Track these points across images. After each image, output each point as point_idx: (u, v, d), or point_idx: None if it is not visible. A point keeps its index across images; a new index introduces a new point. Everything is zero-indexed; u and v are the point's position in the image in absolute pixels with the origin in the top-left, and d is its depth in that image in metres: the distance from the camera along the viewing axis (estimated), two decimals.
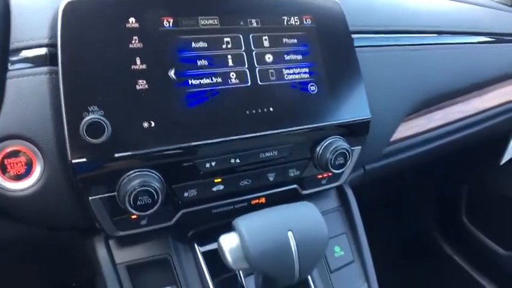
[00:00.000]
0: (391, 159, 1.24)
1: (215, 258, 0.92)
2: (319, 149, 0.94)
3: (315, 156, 0.95)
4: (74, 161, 0.75)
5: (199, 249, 0.93)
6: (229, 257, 0.73)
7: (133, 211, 0.78)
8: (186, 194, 0.86)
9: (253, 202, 0.96)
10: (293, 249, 0.74)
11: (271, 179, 0.93)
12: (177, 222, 0.89)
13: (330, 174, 1.02)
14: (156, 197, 0.79)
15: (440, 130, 1.29)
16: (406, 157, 1.27)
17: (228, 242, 0.75)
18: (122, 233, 0.86)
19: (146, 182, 0.78)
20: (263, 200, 0.97)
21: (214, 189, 0.88)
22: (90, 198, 0.79)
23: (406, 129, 1.22)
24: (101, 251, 0.88)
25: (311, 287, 0.95)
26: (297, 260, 0.74)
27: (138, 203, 0.78)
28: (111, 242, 0.90)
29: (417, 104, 1.19)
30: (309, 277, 0.95)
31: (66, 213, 0.83)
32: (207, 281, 0.90)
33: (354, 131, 0.99)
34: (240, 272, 0.93)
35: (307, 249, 0.75)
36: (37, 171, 0.79)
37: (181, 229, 0.94)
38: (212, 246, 0.94)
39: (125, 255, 0.89)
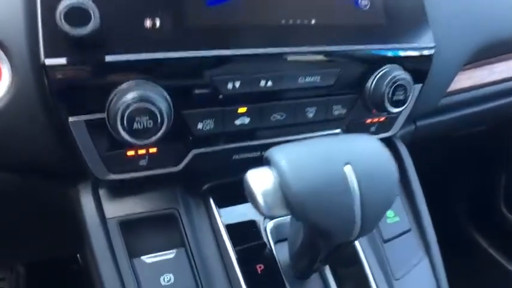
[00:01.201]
0: (444, 117, 1.00)
1: (236, 219, 0.69)
2: (372, 80, 0.71)
3: (366, 90, 0.72)
4: (47, 61, 0.52)
5: (215, 205, 0.69)
6: (261, 200, 0.50)
7: (127, 137, 0.55)
8: (200, 126, 0.63)
9: None
10: (353, 187, 0.50)
11: (310, 115, 0.70)
12: (187, 167, 0.66)
13: (382, 119, 0.78)
14: (159, 119, 0.55)
15: (502, 85, 1.04)
16: (459, 116, 1.03)
17: (260, 179, 0.51)
18: (114, 177, 0.63)
19: (147, 96, 0.54)
20: None
21: (237, 122, 0.65)
22: (70, 119, 0.56)
23: (464, 80, 0.98)
24: (87, 202, 0.64)
25: (361, 259, 0.71)
26: (359, 204, 0.50)
27: (135, 126, 0.55)
28: (102, 192, 0.66)
29: (481, 48, 0.94)
30: (359, 247, 0.71)
31: (41, 146, 0.59)
32: (224, 245, 0.66)
33: (415, 63, 0.75)
34: (269, 235, 0.69)
35: (372, 188, 0.51)
36: (2, 83, 0.56)
37: (192, 181, 0.70)
38: (232, 206, 0.71)
39: (117, 209, 0.66)
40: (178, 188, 0.69)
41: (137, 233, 0.65)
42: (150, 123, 0.56)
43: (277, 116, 0.68)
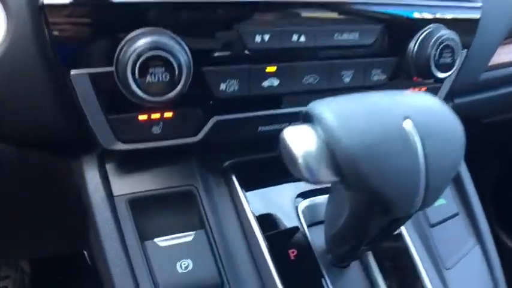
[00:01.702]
0: (483, 95, 0.90)
1: (262, 200, 0.59)
2: (416, 40, 0.61)
3: (409, 52, 0.62)
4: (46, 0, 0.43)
5: (239, 184, 0.59)
6: (303, 162, 0.40)
7: (139, 92, 0.45)
8: (222, 87, 0.53)
9: None
10: (416, 146, 0.40)
11: (346, 80, 0.60)
12: (206, 138, 0.56)
13: (423, 89, 0.68)
14: (177, 72, 0.46)
15: None
16: (498, 96, 0.93)
17: (301, 137, 0.41)
18: (123, 146, 0.53)
19: (163, 43, 0.45)
20: None
21: (265, 83, 0.55)
22: (72, 72, 0.47)
23: (504, 54, 0.88)
24: (91, 177, 0.55)
25: (408, 246, 0.60)
26: (423, 166, 0.40)
27: (149, 78, 0.45)
28: (109, 167, 0.57)
29: None
30: (404, 231, 0.60)
31: (40, 106, 0.50)
32: (251, 229, 0.56)
33: (461, 25, 0.65)
34: (301, 218, 0.58)
35: (437, 148, 0.40)
36: None
37: (212, 156, 0.61)
38: (256, 185, 0.61)
39: (126, 185, 0.56)
40: (196, 164, 0.59)
41: (149, 213, 0.55)
42: (166, 76, 0.46)
43: (309, 79, 0.58)
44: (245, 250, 0.55)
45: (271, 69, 0.55)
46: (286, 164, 0.42)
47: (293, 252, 0.54)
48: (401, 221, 0.46)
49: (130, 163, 0.57)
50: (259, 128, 0.60)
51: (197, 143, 0.56)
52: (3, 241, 0.87)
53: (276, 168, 0.65)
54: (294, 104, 0.59)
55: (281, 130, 0.63)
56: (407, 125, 0.41)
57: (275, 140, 0.62)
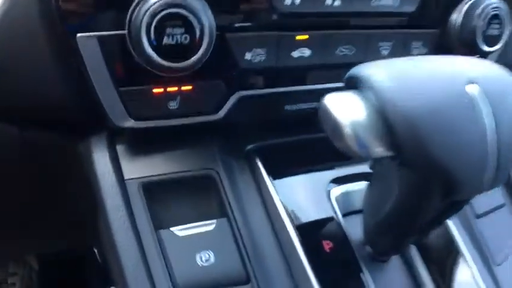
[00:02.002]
0: None
1: (290, 186, 0.53)
2: (460, 10, 0.55)
3: (451, 23, 0.55)
4: None
5: (264, 168, 0.53)
6: (351, 132, 0.33)
7: (155, 56, 0.39)
8: (248, 56, 0.47)
9: None
10: (484, 112, 0.33)
11: (384, 52, 0.53)
12: (228, 116, 0.49)
13: None
14: (198, 33, 0.40)
15: None
16: None
17: (347, 104, 0.35)
18: (135, 124, 0.46)
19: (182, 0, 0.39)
20: None
21: (295, 54, 0.49)
22: (78, 35, 0.41)
23: None
24: (100, 159, 0.48)
25: (455, 238, 0.53)
26: (494, 136, 0.33)
27: (166, 40, 0.39)
28: (119, 148, 0.51)
29: None
30: (450, 223, 0.53)
31: (42, 75, 0.44)
32: (279, 217, 0.49)
33: None
34: (335, 206, 0.52)
35: (508, 116, 0.34)
36: None
37: (233, 139, 0.54)
38: (283, 170, 0.54)
39: (139, 168, 0.49)
40: (217, 146, 0.53)
41: (164, 199, 0.49)
42: (185, 38, 0.40)
43: (344, 50, 0.51)
44: (273, 241, 0.48)
45: (302, 37, 0.48)
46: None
47: (328, 244, 0.47)
48: (461, 205, 0.39)
49: (143, 144, 0.50)
50: (286, 107, 0.54)
51: (218, 121, 0.50)
52: (9, 234, 0.82)
53: (304, 152, 0.60)
54: (324, 79, 0.53)
55: (309, 111, 0.58)
56: (472, 89, 0.34)
57: (302, 122, 0.57)
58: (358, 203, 0.53)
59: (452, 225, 0.53)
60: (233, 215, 0.48)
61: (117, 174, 0.48)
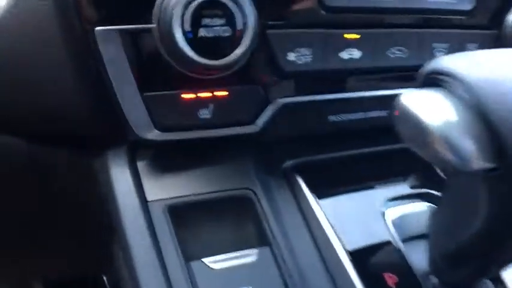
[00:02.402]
0: None
1: (338, 207, 0.45)
2: None
3: (508, 24, 0.49)
4: None
5: (306, 187, 0.45)
6: (441, 135, 0.26)
7: (189, 51, 0.32)
8: (291, 57, 0.40)
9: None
10: None
11: (439, 55, 0.47)
12: (267, 128, 0.42)
13: None
14: (240, 24, 0.33)
15: None
16: None
17: (434, 101, 0.28)
18: (161, 136, 0.39)
19: None
20: None
21: (344, 55, 0.42)
22: (97, 29, 0.34)
23: None
24: (119, 176, 0.41)
25: None
26: None
27: (202, 32, 0.33)
28: (141, 165, 0.43)
29: None
30: None
31: (54, 75, 0.37)
32: (330, 245, 0.41)
33: None
34: (392, 231, 0.44)
35: None
36: None
37: (269, 156, 0.47)
38: (328, 190, 0.46)
39: (164, 188, 0.42)
40: (252, 162, 0.46)
41: (194, 224, 0.41)
42: (225, 30, 0.33)
43: (396, 52, 0.45)
44: (324, 274, 0.40)
45: (352, 36, 0.42)
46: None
47: (391, 278, 0.39)
48: None
49: (168, 159, 0.43)
50: (330, 118, 0.47)
51: (255, 134, 0.43)
52: (11, 255, 0.74)
53: (349, 170, 0.52)
54: (376, 85, 0.46)
55: (355, 123, 0.51)
56: None
57: (345, 136, 0.50)
58: (416, 227, 0.46)
59: None
60: (276, 242, 0.40)
61: (139, 195, 0.41)
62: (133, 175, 0.42)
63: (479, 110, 0.27)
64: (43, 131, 0.41)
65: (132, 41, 0.35)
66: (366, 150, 0.53)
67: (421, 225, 0.46)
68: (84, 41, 0.34)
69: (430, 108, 0.28)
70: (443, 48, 0.47)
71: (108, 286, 0.81)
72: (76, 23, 0.34)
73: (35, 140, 0.43)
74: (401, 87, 0.48)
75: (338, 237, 0.41)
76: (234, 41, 0.34)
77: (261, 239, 0.41)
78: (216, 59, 0.34)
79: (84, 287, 1.02)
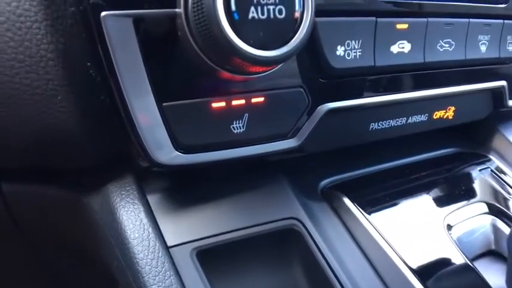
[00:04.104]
0: None
1: (392, 225, 0.36)
2: None
3: None
4: None
5: (353, 206, 0.36)
6: None
7: (236, 39, 0.23)
8: (340, 52, 0.31)
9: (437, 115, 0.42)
10: None
11: (483, 48, 0.40)
12: (309, 141, 0.33)
13: None
14: (297, 4, 0.25)
15: None
16: None
17: None
18: (185, 160, 0.29)
19: None
20: (451, 111, 0.44)
21: (394, 48, 0.34)
22: (102, 14, 0.24)
23: None
24: (129, 219, 0.30)
25: None
26: None
27: (253, 13, 0.23)
28: (151, 198, 0.32)
29: None
30: None
31: (36, 85, 0.26)
32: (396, 270, 0.32)
33: None
34: (458, 248, 0.36)
35: None
36: None
37: (304, 177, 0.38)
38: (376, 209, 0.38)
39: (187, 227, 0.31)
40: (289, 184, 0.36)
41: (231, 268, 0.31)
42: (280, 10, 0.25)
43: (445, 45, 0.38)
44: None
45: (402, 26, 0.34)
46: None
47: None
48: None
49: (184, 189, 0.33)
50: (372, 126, 0.39)
51: (294, 150, 0.34)
52: None
53: (389, 182, 0.44)
54: (423, 83, 0.39)
55: (394, 130, 0.43)
56: None
57: (381, 147, 0.42)
58: (482, 243, 0.38)
59: None
60: (339, 280, 0.31)
61: (159, 241, 0.30)
62: (147, 214, 0.31)
63: None
64: (21, 161, 0.30)
65: (148, 31, 0.25)
66: (404, 160, 0.46)
67: (488, 241, 0.39)
68: (87, 30, 0.24)
69: None
70: (486, 39, 0.41)
71: None
72: (72, 7, 0.24)
73: (6, 178, 0.31)
74: (446, 87, 0.42)
75: (407, 265, 0.33)
76: (291, 25, 0.25)
77: (319, 279, 0.31)
78: (272, 49, 0.25)
79: None
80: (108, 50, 0.25)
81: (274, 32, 0.25)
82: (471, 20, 0.39)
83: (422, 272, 0.33)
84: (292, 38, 0.25)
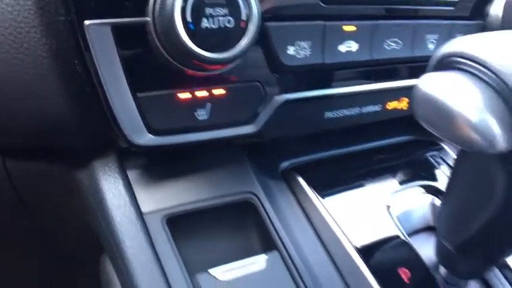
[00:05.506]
0: None
1: (341, 206, 0.44)
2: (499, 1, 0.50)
3: (493, 15, 0.50)
4: None
5: (308, 187, 0.43)
6: (469, 120, 0.25)
7: (191, 44, 0.30)
8: (291, 51, 0.38)
9: (391, 106, 0.49)
10: None
11: (431, 46, 0.47)
12: (267, 128, 0.40)
13: None
14: (245, 14, 0.31)
15: None
16: None
17: (456, 84, 0.27)
18: (156, 141, 0.36)
19: None
20: (405, 102, 0.50)
21: (342, 47, 0.41)
22: (86, 23, 0.31)
23: None
24: (110, 189, 0.38)
25: None
26: None
27: (204, 23, 0.30)
28: (131, 173, 0.40)
29: None
30: None
31: (32, 80, 0.33)
32: (339, 244, 0.40)
33: None
34: (399, 226, 0.43)
35: None
36: None
37: (266, 158, 0.45)
38: (330, 190, 0.45)
39: (160, 197, 0.39)
40: (250, 164, 0.44)
41: (195, 234, 0.39)
42: (229, 20, 0.31)
43: (392, 44, 0.44)
44: (337, 276, 0.39)
45: (349, 28, 0.41)
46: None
47: (405, 273, 0.38)
48: None
49: (161, 167, 0.40)
50: (326, 114, 0.46)
51: (255, 134, 0.41)
52: None
53: (347, 167, 0.51)
54: (372, 76, 0.45)
55: (348, 119, 0.50)
56: None
57: (340, 134, 0.49)
58: (420, 220, 0.45)
59: None
60: (284, 246, 0.38)
61: (134, 207, 0.37)
62: (125, 185, 0.39)
63: (502, 91, 0.26)
64: (21, 142, 0.37)
65: (124, 36, 0.32)
66: (361, 146, 0.52)
67: (426, 218, 0.46)
68: (72, 37, 0.31)
69: (452, 91, 0.27)
70: (434, 38, 0.47)
71: None
72: (62, 16, 0.31)
73: (10, 155, 0.39)
74: (397, 80, 0.49)
75: (347, 238, 0.40)
76: (238, 32, 0.32)
77: (268, 244, 0.39)
78: (220, 51, 0.32)
79: None
80: (91, 51, 0.32)
81: (224, 38, 0.31)
82: (419, 21, 0.45)
83: (365, 249, 0.40)
84: (239, 43, 0.32)
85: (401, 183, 0.47)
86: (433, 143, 0.54)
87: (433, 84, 0.27)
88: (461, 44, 0.29)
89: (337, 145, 0.49)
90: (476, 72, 0.27)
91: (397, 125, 0.55)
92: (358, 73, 0.44)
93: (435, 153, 0.52)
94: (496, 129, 0.26)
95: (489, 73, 0.26)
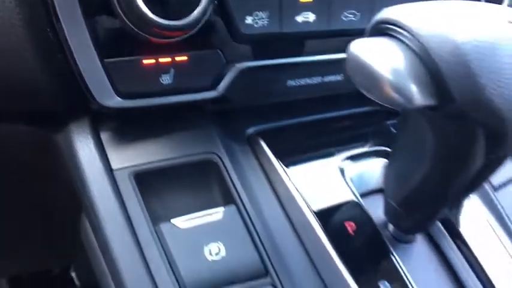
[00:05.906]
0: None
1: (299, 167, 0.48)
2: None
3: None
4: None
5: (269, 151, 0.47)
6: (389, 79, 0.29)
7: (148, 12, 0.34)
8: (249, 20, 0.41)
9: None
10: None
11: None
12: (227, 93, 0.44)
13: None
14: None
15: None
16: None
17: (381, 48, 0.31)
18: (123, 103, 0.40)
19: None
20: None
21: (299, 18, 0.44)
22: None
23: None
24: (82, 147, 0.42)
25: (477, 211, 0.49)
26: None
27: None
28: (104, 134, 0.44)
29: None
30: (472, 197, 0.50)
31: (6, 48, 0.37)
32: (292, 201, 0.44)
33: None
34: (351, 187, 0.47)
35: None
36: None
37: (231, 123, 0.49)
38: (290, 155, 0.49)
39: (128, 156, 0.43)
40: (215, 128, 0.47)
41: (160, 189, 0.43)
42: None
43: (349, 15, 0.48)
44: (289, 228, 0.43)
45: (306, 0, 0.44)
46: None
47: (350, 226, 0.43)
48: (500, 162, 0.35)
49: (129, 128, 0.44)
50: (289, 83, 0.49)
51: (216, 99, 0.45)
52: None
53: (308, 134, 0.55)
54: (331, 48, 0.49)
55: (312, 87, 0.53)
56: None
57: (305, 102, 0.52)
58: (373, 182, 0.49)
59: (474, 198, 0.50)
60: (241, 201, 0.43)
61: (104, 164, 0.42)
62: (97, 145, 0.43)
63: (424, 56, 0.30)
64: (2, 105, 0.41)
65: (90, 5, 0.36)
66: (326, 115, 0.56)
67: (378, 180, 0.50)
68: (40, 5, 0.35)
69: (380, 56, 0.30)
70: None
71: (76, 280, 0.80)
72: None
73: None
74: None
75: (302, 196, 0.44)
76: (193, 0, 0.35)
77: (227, 199, 0.43)
78: (176, 19, 0.35)
79: (51, 282, 1.01)
80: (59, 19, 0.35)
81: (181, 6, 0.35)
82: None
83: (316, 206, 0.44)
84: (195, 10, 0.35)
85: (358, 148, 0.51)
86: (395, 113, 0.58)
87: (361, 49, 0.31)
88: (389, 12, 0.32)
89: (303, 113, 0.53)
90: (399, 36, 0.31)
91: (362, 96, 0.59)
92: (319, 43, 0.48)
93: (395, 121, 0.56)
94: (412, 86, 0.29)
95: (409, 36, 0.30)
